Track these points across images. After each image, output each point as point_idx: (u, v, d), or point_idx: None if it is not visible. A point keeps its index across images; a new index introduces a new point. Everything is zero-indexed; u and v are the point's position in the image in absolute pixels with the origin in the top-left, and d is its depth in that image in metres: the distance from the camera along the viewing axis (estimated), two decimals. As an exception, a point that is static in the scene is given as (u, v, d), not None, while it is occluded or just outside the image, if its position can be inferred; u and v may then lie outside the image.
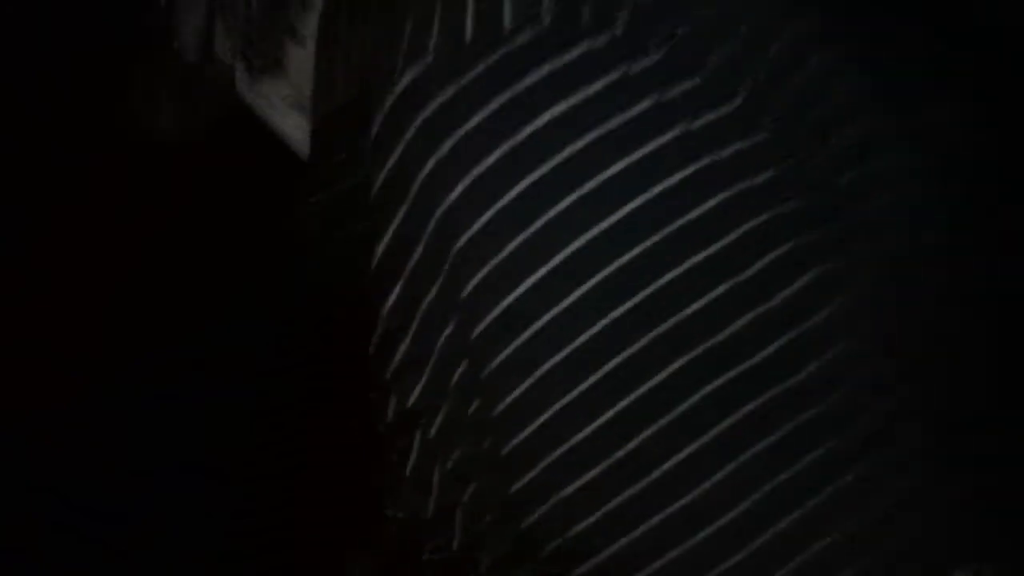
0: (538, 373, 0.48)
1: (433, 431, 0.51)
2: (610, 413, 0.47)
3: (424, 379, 0.51)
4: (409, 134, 0.48)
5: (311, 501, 1.20)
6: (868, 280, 0.50)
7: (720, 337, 0.47)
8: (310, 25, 0.55)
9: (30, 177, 1.02)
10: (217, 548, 1.13)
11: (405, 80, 0.48)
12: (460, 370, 0.50)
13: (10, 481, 1.10)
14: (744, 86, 0.48)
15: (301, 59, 0.56)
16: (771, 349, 0.47)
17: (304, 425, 1.22)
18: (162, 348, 1.15)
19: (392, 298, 0.50)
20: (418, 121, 0.47)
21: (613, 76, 0.46)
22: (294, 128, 0.59)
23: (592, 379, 0.47)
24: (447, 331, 0.50)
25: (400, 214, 0.49)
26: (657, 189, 0.46)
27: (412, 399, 0.52)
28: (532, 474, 0.49)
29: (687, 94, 0.47)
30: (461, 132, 0.47)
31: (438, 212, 0.47)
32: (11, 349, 1.08)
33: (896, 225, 0.52)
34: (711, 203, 0.47)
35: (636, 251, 0.46)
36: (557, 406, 0.48)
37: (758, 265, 0.47)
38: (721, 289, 0.47)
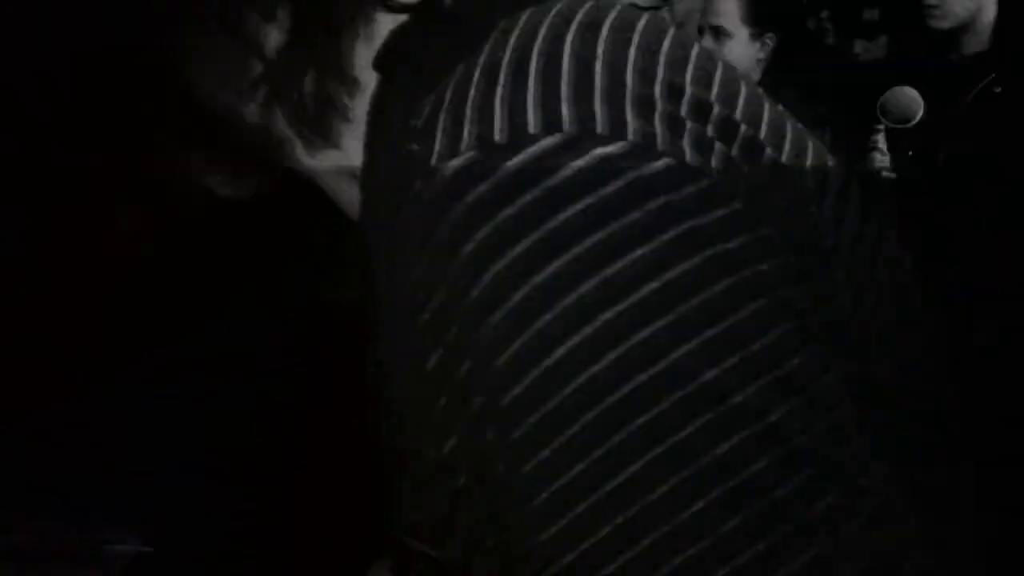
0: (561, 440, 0.52)
1: (460, 483, 0.55)
2: (618, 480, 0.51)
3: (454, 440, 0.55)
4: (449, 222, 0.52)
5: (311, 501, 1.20)
6: (851, 337, 0.56)
7: (735, 400, 0.51)
8: (360, 107, 0.60)
9: (30, 177, 1.03)
10: (217, 548, 1.13)
11: (444, 174, 0.52)
12: (489, 434, 0.53)
13: (10, 481, 1.10)
14: (745, 187, 0.54)
15: (352, 135, 0.60)
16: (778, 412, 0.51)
17: (304, 425, 1.22)
18: (162, 348, 1.15)
19: (431, 363, 0.54)
20: (458, 210, 0.52)
21: (628, 177, 0.51)
22: (344, 191, 0.63)
23: (605, 447, 0.51)
24: (478, 399, 0.53)
25: (441, 290, 0.53)
26: (670, 275, 0.51)
27: (446, 450, 0.55)
28: (542, 536, 0.53)
29: (696, 194, 0.52)
30: (495, 222, 0.52)
31: (475, 291, 0.52)
32: (11, 349, 1.08)
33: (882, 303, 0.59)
34: (720, 286, 0.51)
35: (653, 328, 0.51)
36: (573, 473, 0.52)
37: (764, 339, 0.52)
38: (735, 359, 0.51)
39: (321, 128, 0.60)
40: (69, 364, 1.13)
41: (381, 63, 0.58)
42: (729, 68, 0.57)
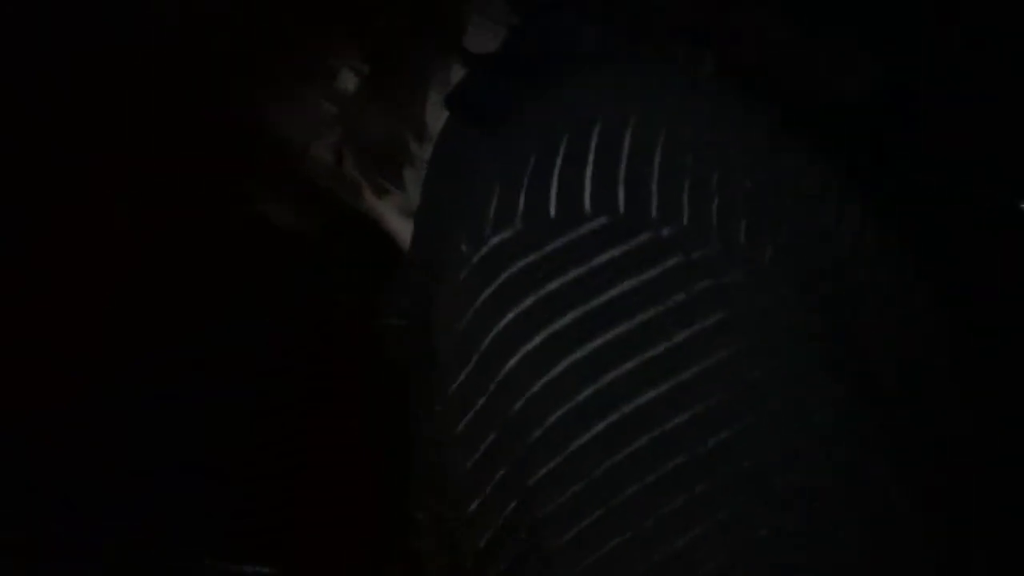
0: (589, 520, 0.51)
1: (484, 542, 0.55)
2: (653, 560, 0.51)
3: (477, 502, 0.55)
4: (492, 288, 0.53)
5: (311, 501, 1.20)
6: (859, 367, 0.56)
7: (775, 482, 0.51)
8: (425, 154, 0.61)
9: (30, 177, 1.03)
10: (217, 548, 1.14)
11: (493, 242, 0.53)
12: (510, 508, 0.54)
13: (10, 481, 1.10)
14: (792, 280, 0.54)
15: (416, 179, 0.62)
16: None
17: (304, 425, 1.22)
18: (162, 348, 1.15)
19: (460, 427, 0.55)
20: (502, 278, 0.52)
21: (676, 259, 0.52)
22: (403, 231, 0.64)
23: (641, 526, 0.51)
24: (501, 472, 0.54)
25: (476, 358, 0.53)
26: (715, 357, 0.51)
27: (471, 508, 0.56)
28: None
29: (743, 281, 0.52)
30: (537, 296, 0.52)
31: (509, 364, 0.52)
32: (11, 349, 1.08)
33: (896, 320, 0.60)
34: (759, 373, 0.52)
35: (692, 411, 0.51)
36: (606, 548, 0.51)
37: (795, 414, 0.52)
38: (776, 444, 0.51)
39: (389, 172, 0.61)
40: (69, 364, 1.13)
41: (452, 103, 0.59)
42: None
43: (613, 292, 0.51)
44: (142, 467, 1.15)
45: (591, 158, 0.53)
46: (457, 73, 0.59)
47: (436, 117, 0.60)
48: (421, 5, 0.59)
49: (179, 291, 1.14)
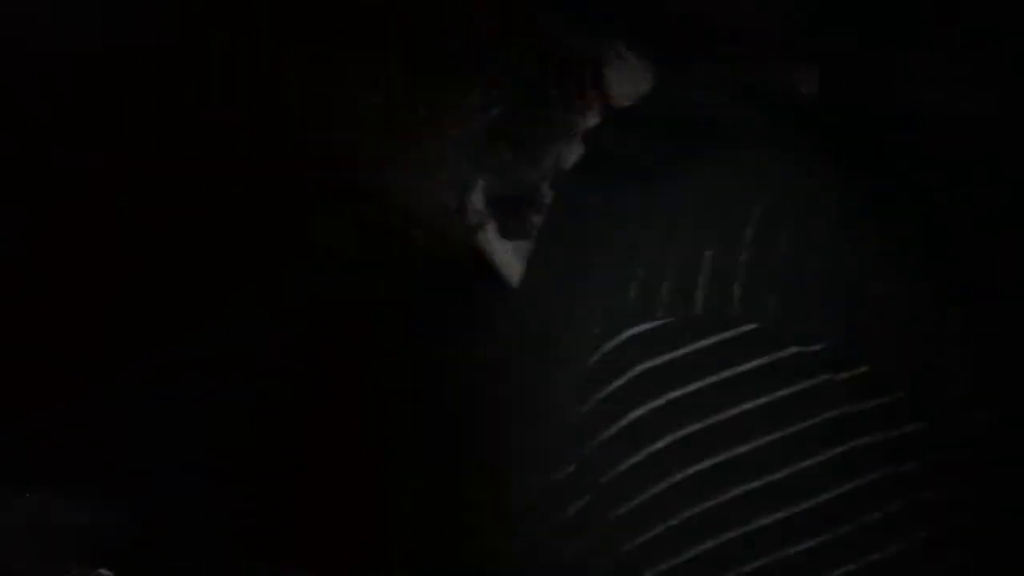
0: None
1: None
2: None
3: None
4: (623, 380, 0.50)
5: (311, 501, 1.20)
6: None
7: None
8: (548, 199, 0.60)
9: (30, 177, 1.03)
10: (217, 548, 1.13)
11: (632, 332, 0.51)
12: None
13: (10, 481, 1.10)
14: (900, 384, 0.53)
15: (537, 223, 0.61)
16: None
17: (304, 425, 1.22)
18: (162, 348, 1.15)
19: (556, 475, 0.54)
20: (636, 371, 0.50)
21: (820, 378, 0.50)
22: (510, 266, 0.63)
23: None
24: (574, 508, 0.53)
25: (599, 441, 0.52)
26: (807, 463, 0.50)
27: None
28: None
29: (848, 381, 0.51)
30: (673, 395, 0.50)
31: (641, 454, 0.50)
32: (11, 349, 1.08)
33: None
34: (860, 481, 0.51)
35: (782, 514, 0.50)
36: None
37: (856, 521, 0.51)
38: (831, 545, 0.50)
39: (518, 218, 0.60)
40: (69, 364, 1.13)
41: (592, 149, 0.58)
42: None
43: (749, 404, 0.50)
44: (142, 467, 1.15)
45: (744, 253, 0.51)
46: (593, 120, 0.58)
47: (566, 163, 0.59)
48: (559, 49, 0.58)
49: (179, 291, 1.14)
